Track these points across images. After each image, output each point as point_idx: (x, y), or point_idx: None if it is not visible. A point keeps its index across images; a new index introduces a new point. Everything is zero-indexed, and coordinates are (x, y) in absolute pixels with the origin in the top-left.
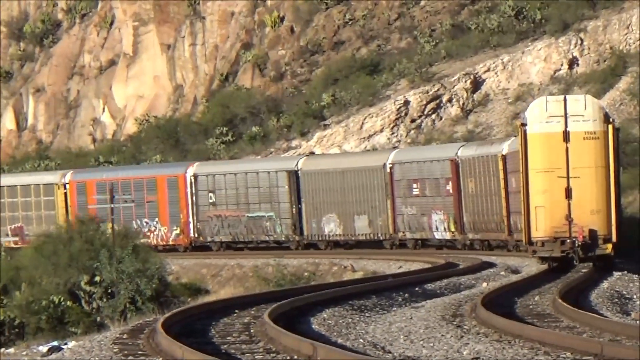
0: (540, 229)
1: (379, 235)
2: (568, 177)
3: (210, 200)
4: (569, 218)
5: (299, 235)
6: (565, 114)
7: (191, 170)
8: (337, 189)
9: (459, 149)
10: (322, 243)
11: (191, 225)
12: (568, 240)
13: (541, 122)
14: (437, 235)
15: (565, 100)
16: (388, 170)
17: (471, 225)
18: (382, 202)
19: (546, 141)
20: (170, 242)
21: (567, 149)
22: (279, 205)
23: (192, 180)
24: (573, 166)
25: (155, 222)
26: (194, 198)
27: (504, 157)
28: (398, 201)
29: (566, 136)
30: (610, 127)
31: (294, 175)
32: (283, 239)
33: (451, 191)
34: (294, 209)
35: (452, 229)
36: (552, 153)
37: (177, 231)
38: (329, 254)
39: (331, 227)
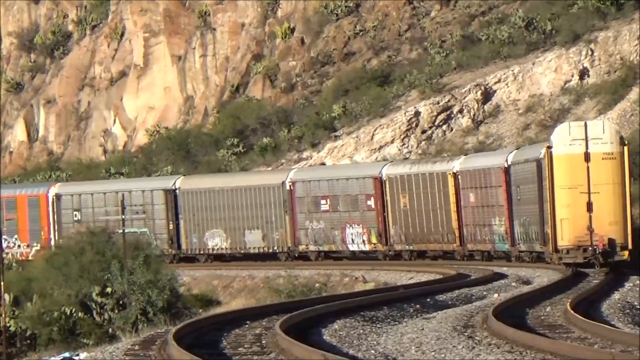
0: (565, 239)
1: (275, 248)
2: (589, 193)
3: (75, 218)
4: (590, 229)
5: (177, 250)
6: (586, 137)
7: (53, 190)
8: (224, 206)
9: (383, 168)
10: (203, 257)
11: (52, 242)
12: (590, 248)
13: (565, 144)
14: (352, 248)
15: (586, 125)
16: (288, 187)
17: (401, 237)
18: (280, 217)
19: (569, 161)
20: (30, 258)
21: (588, 168)
22: (154, 222)
23: (54, 199)
24: (593, 183)
25: (14, 239)
26: (55, 216)
27: (455, 175)
28: (301, 216)
29: (587, 157)
30: (625, 148)
31: (171, 194)
32: (157, 253)
33: (373, 206)
34: (170, 225)
35: (374, 241)
36: (575, 172)
37: (38, 247)
38: (340, 265)
39: (216, 241)
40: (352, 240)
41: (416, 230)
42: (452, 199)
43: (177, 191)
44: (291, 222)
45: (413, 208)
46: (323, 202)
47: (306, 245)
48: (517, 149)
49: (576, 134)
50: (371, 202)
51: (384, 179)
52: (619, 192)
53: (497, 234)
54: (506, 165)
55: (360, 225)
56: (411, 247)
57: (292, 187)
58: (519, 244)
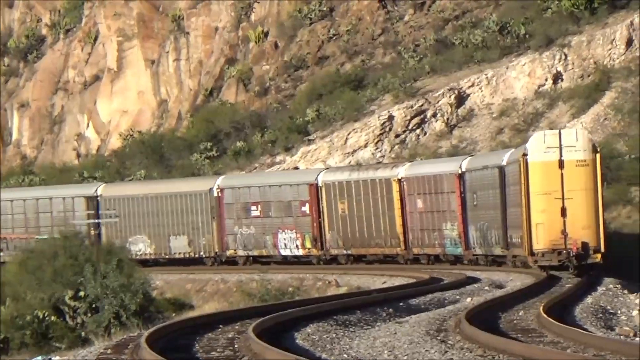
0: (541, 242)
1: (201, 253)
2: (563, 199)
3: None
4: (564, 233)
5: None
6: (560, 145)
7: None
8: (148, 213)
9: (319, 175)
10: None
11: None
12: (564, 251)
13: (540, 152)
14: (284, 252)
15: (560, 133)
16: (216, 194)
17: (338, 242)
18: (207, 223)
19: (544, 168)
20: None
21: (562, 174)
22: (74, 228)
23: None
24: (567, 189)
25: None
26: None
27: (400, 181)
28: (229, 222)
29: (561, 164)
30: (597, 155)
31: (93, 201)
32: None
33: (308, 212)
34: (92, 232)
35: (308, 245)
36: (550, 178)
37: None
38: (313, 269)
39: (139, 247)
40: (285, 245)
41: (355, 235)
42: (397, 204)
43: (98, 198)
44: (218, 227)
45: (352, 214)
46: (254, 208)
47: (234, 250)
48: (470, 156)
49: (551, 142)
50: (306, 208)
51: (320, 185)
52: (591, 197)
53: (448, 238)
54: (460, 172)
55: (294, 230)
56: (349, 252)
57: (219, 194)
58: (474, 247)
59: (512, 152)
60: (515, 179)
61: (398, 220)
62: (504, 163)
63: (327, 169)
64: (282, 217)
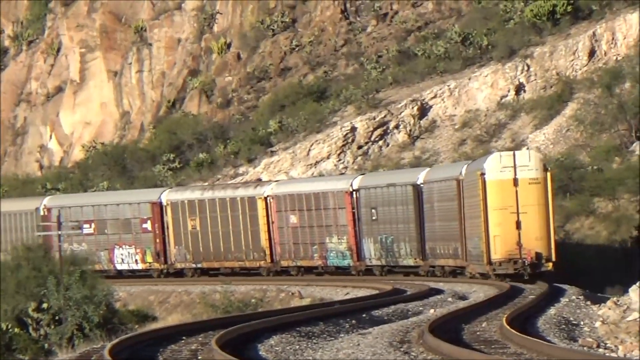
0: (498, 253)
1: None
2: (518, 213)
3: None
4: (519, 244)
5: None
6: (515, 165)
7: None
8: None
9: (162, 194)
10: None
11: None
12: (519, 261)
13: (496, 171)
14: (121, 267)
15: (514, 154)
16: (42, 213)
17: (186, 256)
18: (33, 241)
19: (500, 186)
20: None
21: (516, 191)
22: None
23: None
24: (521, 204)
25: None
26: None
27: (266, 199)
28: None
29: (516, 182)
30: (548, 174)
31: None
32: None
33: (150, 229)
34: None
35: (149, 260)
36: (505, 195)
37: None
38: (276, 281)
39: None
40: (122, 260)
41: (208, 250)
42: (263, 220)
43: None
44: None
45: (206, 230)
46: (86, 226)
47: None
48: (362, 174)
49: (506, 162)
50: (147, 225)
51: (165, 204)
52: (543, 211)
53: (333, 250)
54: (352, 189)
55: (133, 246)
56: (198, 265)
57: (46, 213)
58: (369, 259)
59: (429, 171)
60: (449, 196)
61: (264, 235)
62: (420, 182)
63: (171, 187)
64: (120, 233)
